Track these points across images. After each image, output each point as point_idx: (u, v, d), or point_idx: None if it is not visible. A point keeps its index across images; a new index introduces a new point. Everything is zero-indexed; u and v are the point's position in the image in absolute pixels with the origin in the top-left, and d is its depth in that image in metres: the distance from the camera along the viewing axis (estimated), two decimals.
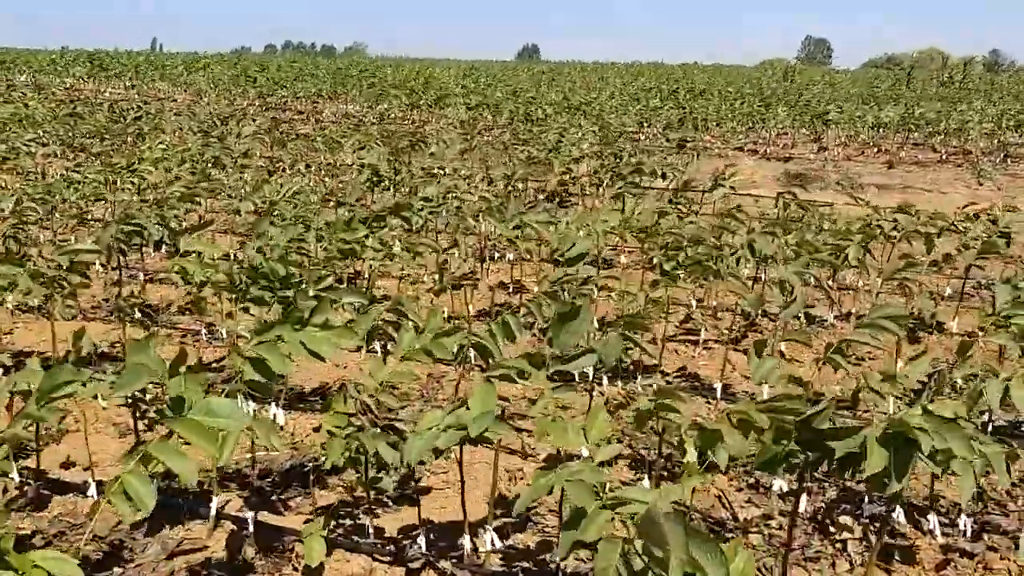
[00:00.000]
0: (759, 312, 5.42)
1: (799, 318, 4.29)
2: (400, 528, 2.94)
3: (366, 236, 4.41)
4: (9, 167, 8.60)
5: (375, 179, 7.98)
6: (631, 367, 4.40)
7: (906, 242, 5.21)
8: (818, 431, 2.20)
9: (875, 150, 15.37)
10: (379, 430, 2.53)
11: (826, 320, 5.29)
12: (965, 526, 2.91)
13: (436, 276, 6.04)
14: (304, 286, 3.47)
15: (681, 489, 2.32)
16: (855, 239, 4.90)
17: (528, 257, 6.12)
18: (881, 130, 16.17)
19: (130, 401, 2.83)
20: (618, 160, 9.14)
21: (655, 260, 3.90)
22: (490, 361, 3.00)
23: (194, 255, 3.80)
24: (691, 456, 2.52)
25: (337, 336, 2.78)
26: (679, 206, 6.33)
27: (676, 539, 1.61)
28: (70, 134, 10.47)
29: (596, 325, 3.96)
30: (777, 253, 4.69)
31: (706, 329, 5.02)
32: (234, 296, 3.59)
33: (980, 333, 4.20)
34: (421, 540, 2.74)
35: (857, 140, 16.14)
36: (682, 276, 3.93)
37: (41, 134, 10.01)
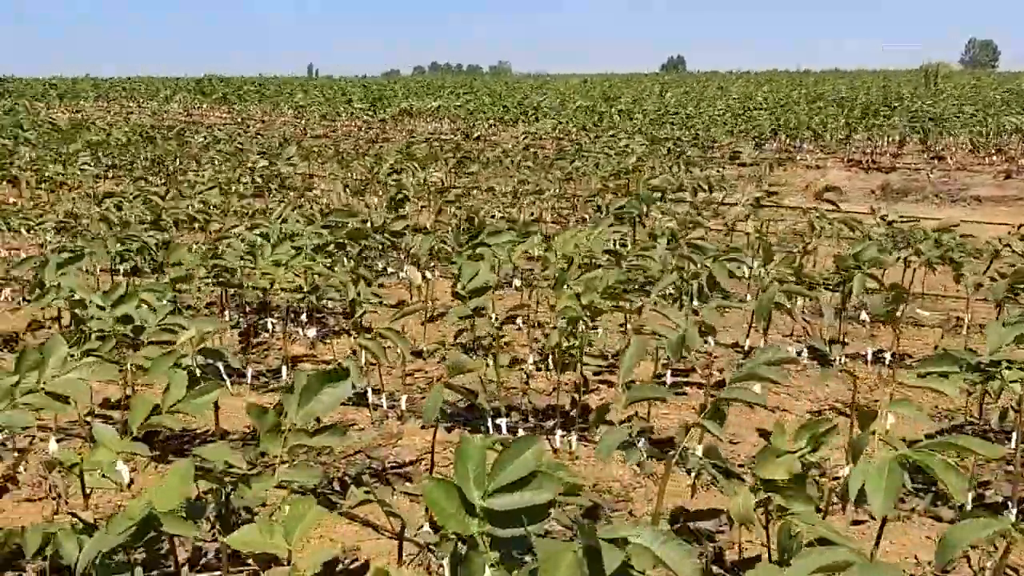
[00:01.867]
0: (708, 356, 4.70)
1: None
2: None
3: (276, 264, 3.99)
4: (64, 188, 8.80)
5: (400, 198, 7.63)
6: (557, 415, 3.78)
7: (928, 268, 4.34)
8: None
9: (1000, 158, 13.84)
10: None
11: (834, 361, 4.46)
12: None
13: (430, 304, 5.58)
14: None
15: None
16: (863, 265, 4.12)
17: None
18: (1007, 137, 14.60)
19: None
20: (673, 173, 8.43)
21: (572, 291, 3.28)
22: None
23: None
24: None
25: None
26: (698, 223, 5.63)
27: None
28: (134, 159, 10.68)
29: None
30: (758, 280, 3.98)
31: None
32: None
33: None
34: None
35: (980, 148, 14.60)
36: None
37: (101, 158, 10.26)
